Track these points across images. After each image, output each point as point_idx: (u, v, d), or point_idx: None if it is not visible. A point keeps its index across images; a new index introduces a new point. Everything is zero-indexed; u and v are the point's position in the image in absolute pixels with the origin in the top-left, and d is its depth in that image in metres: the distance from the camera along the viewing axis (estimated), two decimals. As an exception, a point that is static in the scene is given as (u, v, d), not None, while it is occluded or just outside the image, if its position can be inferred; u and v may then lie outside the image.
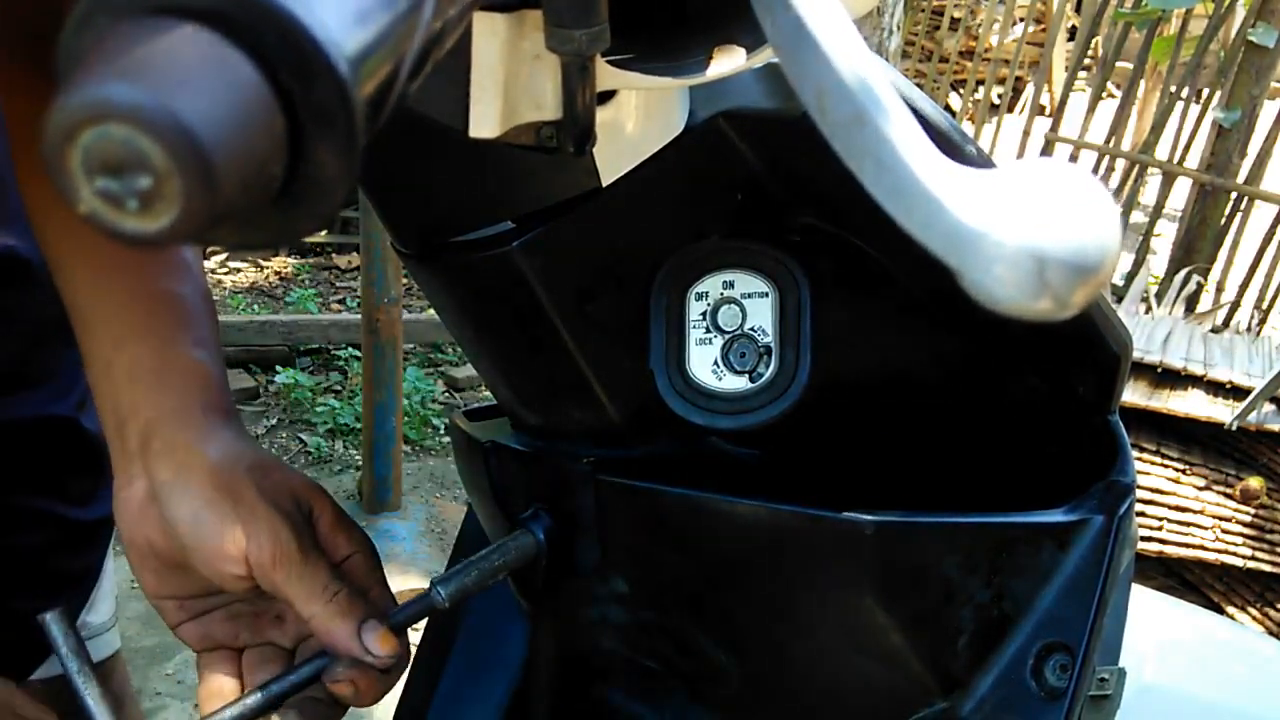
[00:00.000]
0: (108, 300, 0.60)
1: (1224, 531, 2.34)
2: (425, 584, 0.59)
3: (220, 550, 0.52)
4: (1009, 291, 0.25)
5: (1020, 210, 0.25)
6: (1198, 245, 3.76)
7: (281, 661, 0.57)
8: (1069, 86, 4.06)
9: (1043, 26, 7.34)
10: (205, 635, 0.57)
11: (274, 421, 3.58)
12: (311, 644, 0.57)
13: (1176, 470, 2.36)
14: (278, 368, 3.74)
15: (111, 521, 0.90)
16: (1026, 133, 4.23)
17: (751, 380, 0.55)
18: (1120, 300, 2.90)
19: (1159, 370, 2.38)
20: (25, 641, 0.81)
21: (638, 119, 0.47)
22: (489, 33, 0.38)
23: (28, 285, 0.76)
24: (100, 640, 0.93)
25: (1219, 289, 3.80)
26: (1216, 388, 2.36)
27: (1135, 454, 2.23)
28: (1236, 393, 2.33)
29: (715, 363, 0.55)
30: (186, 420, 0.56)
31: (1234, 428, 2.26)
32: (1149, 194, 4.47)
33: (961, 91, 5.83)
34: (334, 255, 4.73)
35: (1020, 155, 4.14)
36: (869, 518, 0.52)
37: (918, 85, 0.66)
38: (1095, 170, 3.83)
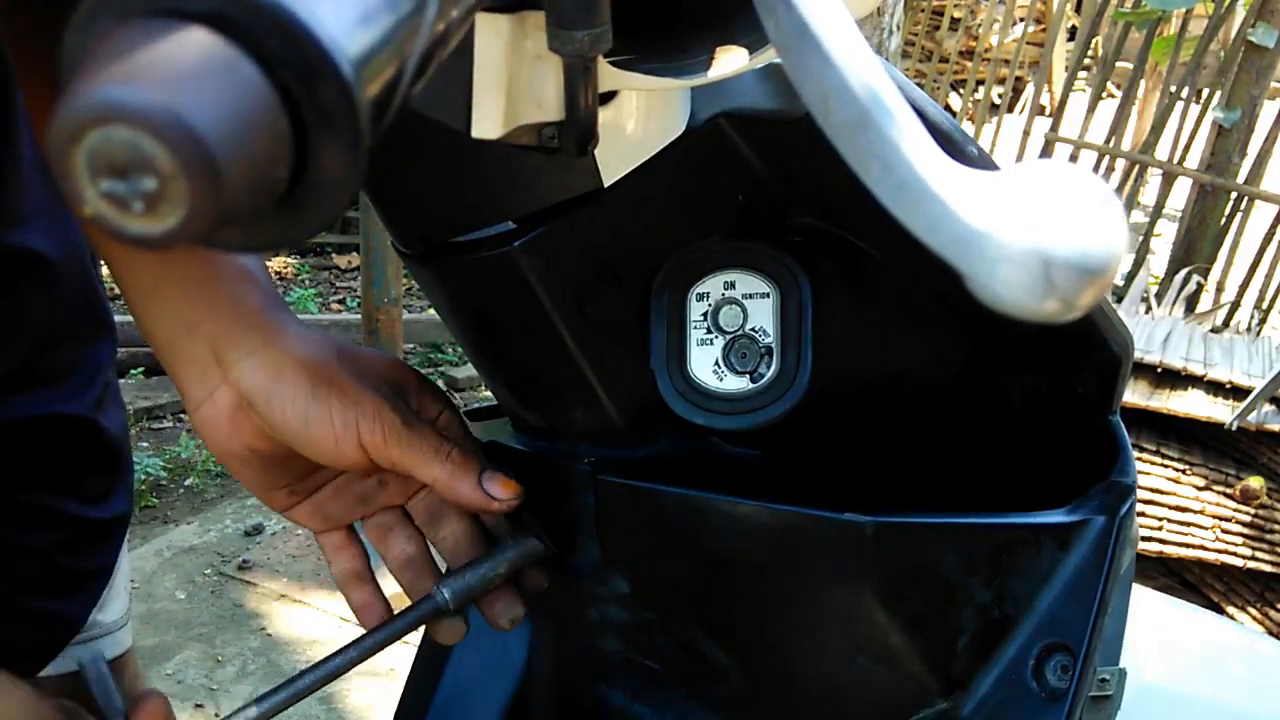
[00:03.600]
0: None
1: (1224, 531, 2.33)
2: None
3: (335, 441, 0.55)
4: (1014, 293, 0.25)
5: (1026, 211, 0.25)
6: (1198, 245, 3.75)
7: (403, 522, 0.61)
8: (1069, 86, 4.05)
9: (1043, 26, 7.33)
10: (320, 514, 0.60)
11: (274, 421, 3.57)
12: (421, 502, 0.61)
13: (1176, 470, 2.36)
14: (278, 367, 3.73)
15: (126, 519, 0.89)
16: (1026, 133, 4.22)
17: (752, 381, 0.55)
18: (1120, 300, 2.90)
19: (1159, 370, 2.38)
20: (37, 639, 0.81)
21: (639, 119, 0.47)
22: (492, 33, 0.38)
23: (43, 282, 0.76)
24: (111, 639, 0.92)
25: (1219, 289, 3.79)
26: (1216, 388, 2.36)
27: (1135, 454, 2.23)
28: (1236, 393, 2.33)
29: (716, 363, 0.55)
30: (252, 322, 0.57)
31: (1234, 428, 2.26)
32: (1149, 194, 4.46)
33: (961, 91, 5.82)
34: (334, 255, 4.73)
35: (1020, 155, 4.13)
36: (869, 518, 0.52)
37: (918, 85, 0.66)
38: (1095, 170, 3.82)
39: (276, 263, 4.65)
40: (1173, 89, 3.81)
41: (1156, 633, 0.82)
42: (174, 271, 0.59)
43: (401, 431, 0.55)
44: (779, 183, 0.52)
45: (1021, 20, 5.97)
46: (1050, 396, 0.59)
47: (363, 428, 0.55)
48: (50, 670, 0.85)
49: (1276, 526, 2.33)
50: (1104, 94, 4.27)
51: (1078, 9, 7.67)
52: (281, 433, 0.56)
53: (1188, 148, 3.79)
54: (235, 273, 0.59)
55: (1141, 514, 2.33)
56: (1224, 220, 3.75)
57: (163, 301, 0.59)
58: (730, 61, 0.39)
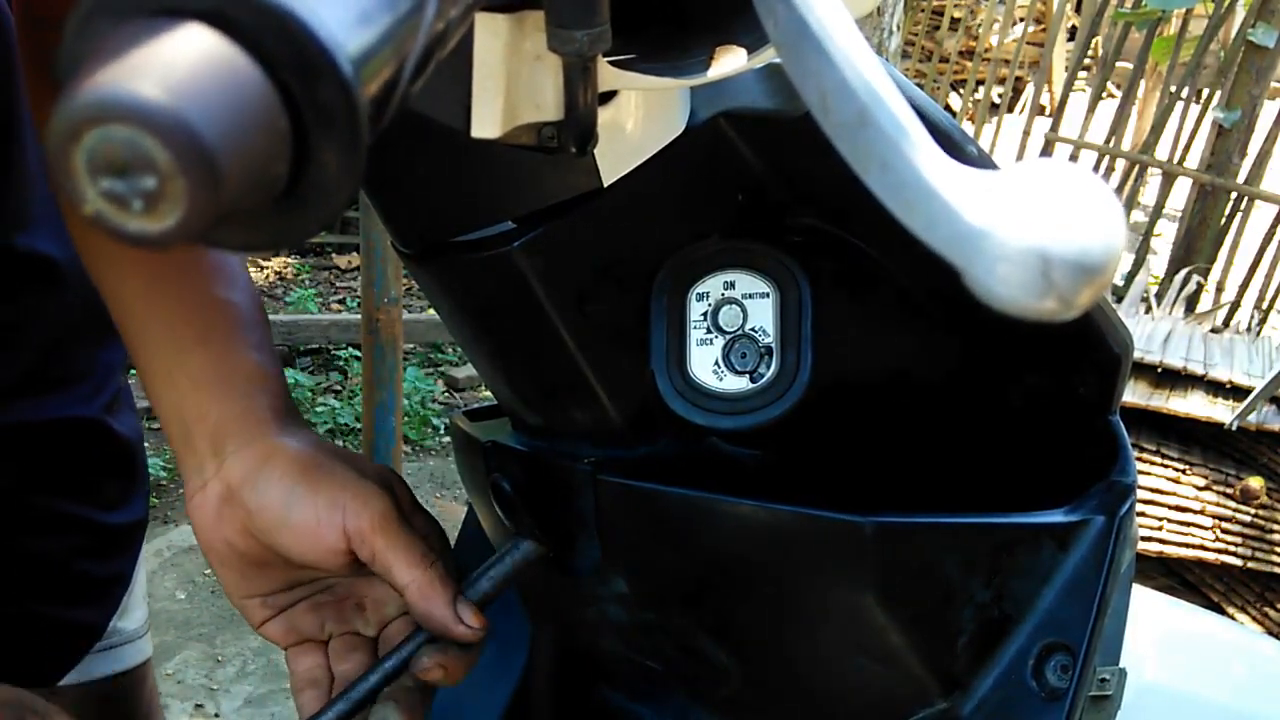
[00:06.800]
0: (163, 310, 0.61)
1: (1224, 531, 2.34)
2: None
3: (318, 524, 0.53)
4: (1013, 291, 0.25)
5: (1025, 210, 0.25)
6: (1198, 245, 3.75)
7: (366, 649, 0.59)
8: (1069, 86, 4.05)
9: (1043, 26, 7.33)
10: (291, 629, 0.59)
11: (274, 421, 3.57)
12: (392, 631, 0.59)
13: (1176, 470, 2.36)
14: (277, 368, 3.73)
15: (143, 525, 0.89)
16: (1026, 133, 4.22)
17: (752, 381, 0.55)
18: (1120, 300, 2.90)
19: (1159, 370, 2.38)
20: (56, 647, 0.80)
21: (639, 119, 0.47)
22: (491, 33, 0.38)
23: (53, 286, 0.76)
24: (132, 647, 0.91)
25: (1219, 289, 3.79)
26: (1216, 388, 2.36)
27: (1135, 454, 2.23)
28: (1236, 393, 2.33)
29: (716, 363, 0.55)
30: (256, 419, 0.57)
31: (1234, 428, 2.26)
32: (1149, 194, 4.47)
33: (961, 91, 5.82)
34: (334, 255, 4.73)
35: (1020, 155, 4.13)
36: (869, 518, 0.52)
37: (918, 85, 0.66)
38: (1095, 170, 3.82)
39: (276, 262, 4.65)
40: (1173, 89, 3.82)
41: (1156, 633, 0.82)
42: (189, 361, 0.59)
43: (391, 523, 0.54)
44: (779, 182, 0.53)
45: (1021, 20, 5.97)
46: (1050, 396, 0.59)
47: (349, 511, 0.53)
48: (71, 679, 0.84)
49: (1276, 526, 2.33)
50: (1104, 94, 4.27)
51: (1078, 9, 7.67)
52: (264, 520, 0.55)
53: (1188, 148, 3.79)
54: (250, 371, 0.59)
55: (1141, 514, 2.34)
56: (1224, 220, 3.75)
57: (176, 389, 0.59)
58: (730, 61, 0.39)
